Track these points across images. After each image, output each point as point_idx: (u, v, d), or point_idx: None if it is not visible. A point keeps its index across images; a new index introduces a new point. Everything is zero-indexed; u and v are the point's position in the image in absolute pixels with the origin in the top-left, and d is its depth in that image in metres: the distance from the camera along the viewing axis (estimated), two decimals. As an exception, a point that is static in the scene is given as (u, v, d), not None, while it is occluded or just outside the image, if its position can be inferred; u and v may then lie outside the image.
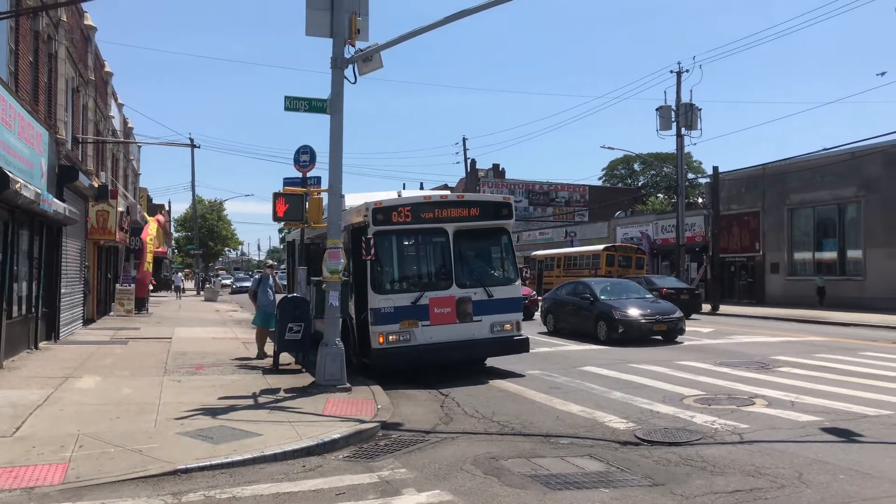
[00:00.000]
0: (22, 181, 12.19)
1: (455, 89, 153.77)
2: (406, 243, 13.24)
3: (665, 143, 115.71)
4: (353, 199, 13.78)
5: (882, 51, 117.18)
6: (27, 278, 15.23)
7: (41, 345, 15.95)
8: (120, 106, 32.56)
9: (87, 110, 22.92)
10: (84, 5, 21.78)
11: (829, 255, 33.11)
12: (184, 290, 51.85)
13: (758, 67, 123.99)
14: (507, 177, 72.77)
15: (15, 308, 14.16)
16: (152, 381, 11.81)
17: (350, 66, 11.72)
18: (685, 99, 34.48)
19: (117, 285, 28.46)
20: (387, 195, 13.50)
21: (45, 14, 16.30)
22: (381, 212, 12.36)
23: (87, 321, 22.64)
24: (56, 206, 14.87)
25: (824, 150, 31.58)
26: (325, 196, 13.34)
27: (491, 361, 14.01)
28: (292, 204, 13.33)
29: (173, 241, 77.69)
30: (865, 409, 9.74)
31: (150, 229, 33.14)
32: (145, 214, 38.35)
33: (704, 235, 39.44)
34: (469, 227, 12.92)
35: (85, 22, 22.85)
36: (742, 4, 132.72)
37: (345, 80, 11.69)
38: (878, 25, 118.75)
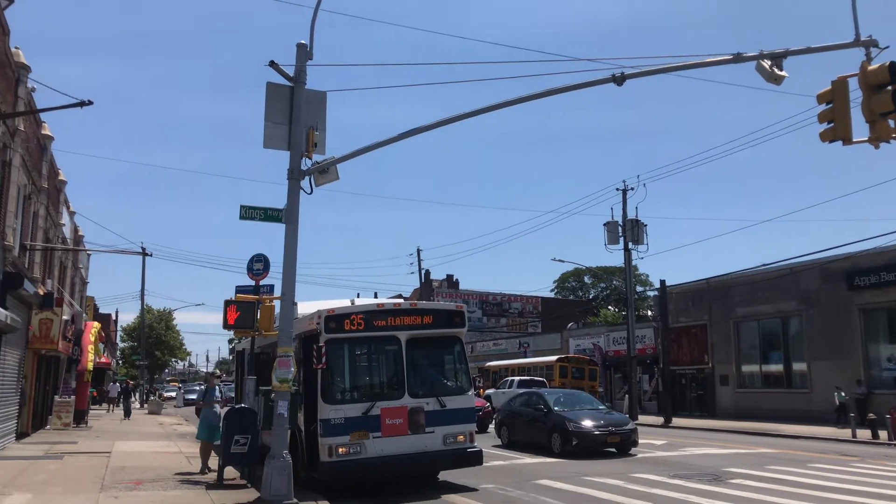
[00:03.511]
0: (-36, 287, 11.90)
1: (410, 202, 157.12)
2: (358, 352, 13.14)
3: (613, 257, 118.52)
4: (305, 308, 13.73)
5: (814, 171, 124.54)
6: (-40, 389, 14.57)
7: (-32, 460, 15.08)
8: (72, 214, 32.33)
9: (37, 218, 22.71)
10: (42, 115, 22.06)
11: (776, 367, 33.71)
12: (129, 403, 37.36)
13: (699, 185, 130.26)
14: (460, 287, 73.34)
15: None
16: (87, 498, 11.21)
17: (307, 178, 12.00)
18: (631, 215, 35.66)
19: (56, 397, 27.28)
20: (340, 303, 13.50)
21: (2, 123, 16.43)
22: (334, 319, 12.32)
23: (22, 435, 21.51)
24: (-2, 313, 14.47)
25: (764, 265, 32.82)
26: (277, 304, 13.27)
27: (444, 475, 13.69)
28: (244, 312, 13.22)
29: (118, 352, 75.32)
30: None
31: (91, 336, 32.15)
32: (90, 323, 37.27)
33: (655, 347, 39.95)
34: (422, 335, 12.93)
35: (42, 132, 23.02)
36: (684, 128, 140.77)
37: (301, 191, 11.94)
38: (805, 149, 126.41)
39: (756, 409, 32.21)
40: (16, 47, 17.88)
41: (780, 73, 10.86)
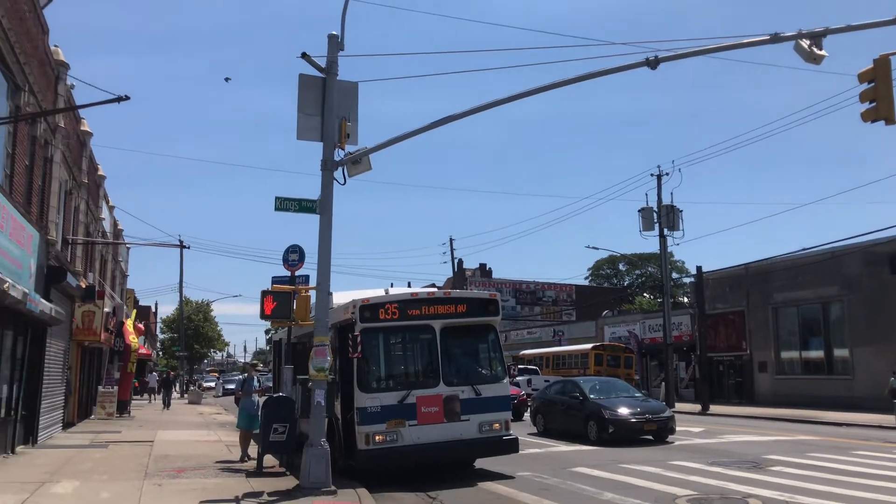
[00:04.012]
0: (10, 281, 12.23)
1: (442, 190, 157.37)
2: (393, 341, 13.22)
3: (648, 244, 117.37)
4: (340, 298, 13.83)
5: (855, 152, 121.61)
6: (8, 380, 14.97)
7: (18, 449, 15.51)
8: (111, 208, 32.97)
9: (78, 212, 23.20)
10: (81, 111, 22.46)
11: (816, 353, 33.15)
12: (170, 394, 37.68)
13: (735, 170, 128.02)
14: (494, 276, 73.21)
15: (-6, 411, 13.87)
16: (132, 486, 11.47)
17: (339, 169, 12.07)
18: (666, 200, 35.20)
19: (99, 387, 27.95)
20: (374, 293, 13.59)
21: (43, 120, 16.77)
22: (369, 309, 12.41)
23: (68, 424, 22.10)
24: (42, 306, 14.84)
25: (805, 249, 32.20)
26: (312, 294, 13.40)
27: (479, 462, 13.74)
28: (280, 302, 13.37)
29: (158, 343, 76.81)
30: (860, 507, 9.58)
31: (130, 327, 32.80)
32: (131, 314, 38.04)
33: (691, 334, 39.52)
34: (456, 323, 12.96)
35: (81, 128, 23.47)
36: (720, 111, 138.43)
37: (334, 182, 12.01)
38: (846, 130, 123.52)
39: (795, 396, 31.71)
40: (55, 45, 18.21)
41: (819, 52, 10.63)
